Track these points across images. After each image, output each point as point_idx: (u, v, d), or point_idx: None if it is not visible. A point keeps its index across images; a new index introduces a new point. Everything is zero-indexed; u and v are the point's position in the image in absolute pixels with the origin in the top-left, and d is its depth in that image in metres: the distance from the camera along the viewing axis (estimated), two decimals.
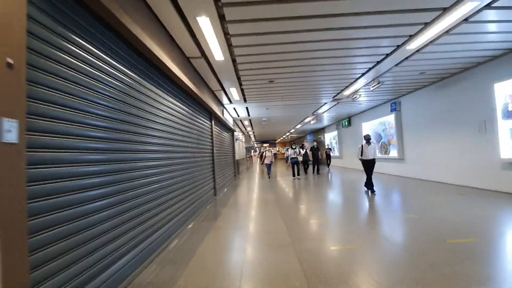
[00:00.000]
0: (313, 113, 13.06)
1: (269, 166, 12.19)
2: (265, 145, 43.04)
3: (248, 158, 30.35)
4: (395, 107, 10.24)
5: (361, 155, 7.29)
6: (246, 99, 8.99)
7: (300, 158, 10.93)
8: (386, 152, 11.05)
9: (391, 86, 8.34)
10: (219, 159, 8.95)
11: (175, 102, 4.71)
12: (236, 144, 14.73)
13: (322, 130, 21.88)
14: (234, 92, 7.79)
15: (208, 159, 7.28)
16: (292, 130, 22.19)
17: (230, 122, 11.28)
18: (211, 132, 7.73)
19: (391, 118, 10.65)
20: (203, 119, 6.95)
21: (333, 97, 9.41)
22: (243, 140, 21.89)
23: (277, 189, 8.58)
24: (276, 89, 7.80)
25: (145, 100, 3.37)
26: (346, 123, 15.83)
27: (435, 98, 8.22)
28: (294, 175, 10.64)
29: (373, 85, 7.25)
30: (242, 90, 7.86)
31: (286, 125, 18.75)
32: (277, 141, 39.94)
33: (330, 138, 19.62)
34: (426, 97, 8.62)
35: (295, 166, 10.62)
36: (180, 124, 5.03)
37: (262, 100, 9.34)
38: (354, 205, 5.86)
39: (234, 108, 10.64)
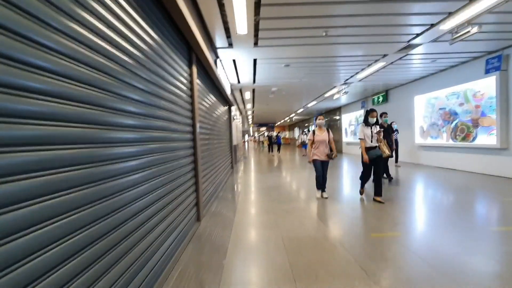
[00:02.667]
0: (346, 80, 9.02)
1: (323, 167, 4.76)
2: (262, 128, 39.13)
3: (243, 144, 26.47)
4: (497, 64, 6.30)
5: None
6: (259, 35, 4.86)
7: (388, 152, 4.40)
8: (468, 138, 7.20)
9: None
10: (208, 145, 4.93)
11: None
12: (233, 124, 10.68)
13: (336, 111, 17.94)
14: (238, 3, 3.64)
15: (186, 146, 3.28)
16: (300, 110, 18.18)
17: (226, 87, 7.18)
18: (191, 90, 3.66)
19: (482, 84, 6.74)
20: (172, 55, 2.87)
21: (408, 41, 5.36)
22: (240, 121, 17.83)
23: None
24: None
25: None
26: (381, 99, 11.90)
27: None
28: (378, 194, 4.35)
29: None
30: (257, 3, 3.74)
31: (296, 102, 14.67)
32: (276, 125, 35.91)
33: (350, 121, 15.71)
34: None
35: (376, 166, 4.35)
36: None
37: (286, 42, 5.22)
38: None
39: (234, 62, 6.49)
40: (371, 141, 4.39)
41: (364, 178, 4.68)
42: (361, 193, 4.80)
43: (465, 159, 7.35)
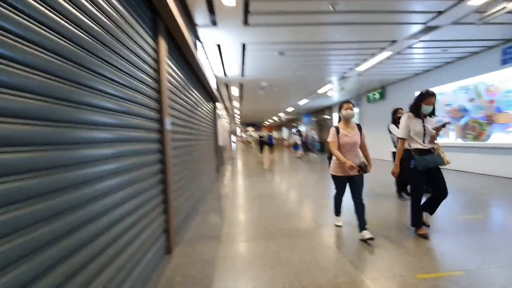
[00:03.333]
0: (344, 73, 8.17)
1: (353, 186, 2.91)
2: (249, 128, 38.18)
3: (230, 144, 25.39)
4: None
5: None
6: (251, 7, 3.86)
7: (449, 160, 2.79)
8: (480, 136, 6.51)
9: None
10: (186, 147, 3.88)
11: None
12: (219, 122, 9.64)
13: (327, 110, 17.22)
14: None
15: (149, 149, 2.24)
16: (291, 109, 17.33)
17: (210, 80, 6.15)
18: (158, 72, 2.61)
19: (496, 77, 6.06)
20: (128, 17, 1.83)
21: (426, 22, 4.54)
22: (227, 120, 16.77)
23: None
24: None
25: None
26: (377, 96, 11.19)
27: None
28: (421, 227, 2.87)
29: None
30: None
31: (287, 100, 13.77)
32: (263, 125, 35.03)
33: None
34: None
35: (436, 180, 2.78)
36: None
37: (283, 20, 4.25)
38: None
39: (219, 48, 5.46)
40: (423, 142, 2.78)
41: (418, 199, 2.82)
42: (424, 224, 2.93)
43: (477, 160, 6.65)
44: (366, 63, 6.83)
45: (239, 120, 26.67)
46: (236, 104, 13.87)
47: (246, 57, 6.08)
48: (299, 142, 12.87)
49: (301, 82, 9.14)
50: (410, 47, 5.84)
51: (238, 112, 18.02)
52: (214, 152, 8.27)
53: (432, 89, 2.79)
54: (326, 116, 17.90)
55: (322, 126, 18.18)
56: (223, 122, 12.70)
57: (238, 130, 36.80)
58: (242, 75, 7.73)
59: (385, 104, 10.81)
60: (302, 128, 21.92)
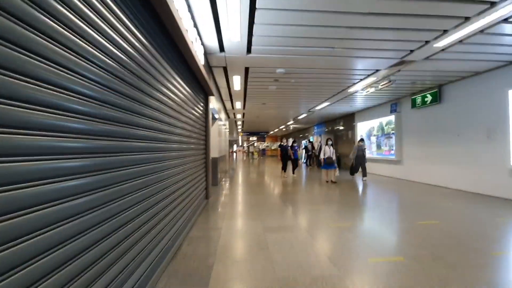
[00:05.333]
0: (405, 57, 5.30)
1: None
2: (252, 138, 35.40)
3: (230, 154, 22.46)
4: None
5: None
6: None
7: None
8: None
9: None
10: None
11: None
12: (213, 128, 6.79)
13: (347, 118, 14.35)
14: None
15: None
16: (303, 116, 14.46)
17: (195, 49, 3.33)
18: None
19: None
20: None
21: None
22: (227, 126, 13.94)
23: None
24: None
25: None
26: (428, 99, 8.30)
27: None
28: None
29: None
30: None
31: (303, 101, 10.87)
32: (268, 135, 32.18)
33: (370, 130, 12.09)
34: None
35: None
36: None
37: None
38: None
39: None
40: None
41: None
42: None
43: None
44: (465, 27, 3.96)
45: (241, 128, 23.85)
46: (238, 105, 11.04)
47: (258, 1, 3.24)
48: (334, 156, 8.91)
49: (330, 72, 6.30)
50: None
51: (240, 116, 15.19)
52: (202, 168, 5.39)
53: None
54: (341, 127, 15.07)
55: (341, 138, 15.29)
56: (221, 128, 9.85)
57: (240, 139, 34.00)
58: (249, 48, 4.90)
59: (441, 110, 7.92)
60: (312, 140, 19.01)
